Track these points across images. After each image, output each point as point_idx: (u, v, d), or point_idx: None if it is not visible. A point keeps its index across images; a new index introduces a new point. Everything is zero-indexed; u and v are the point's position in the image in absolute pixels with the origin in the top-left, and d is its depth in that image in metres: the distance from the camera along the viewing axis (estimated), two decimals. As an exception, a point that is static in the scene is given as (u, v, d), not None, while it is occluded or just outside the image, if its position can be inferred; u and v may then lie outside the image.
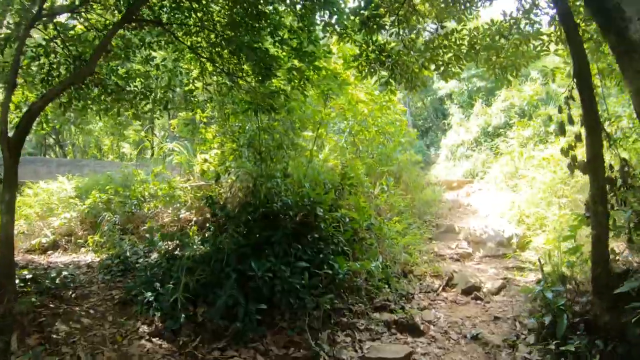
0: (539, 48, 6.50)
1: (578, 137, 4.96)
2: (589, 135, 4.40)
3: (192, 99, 7.14)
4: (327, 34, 6.17)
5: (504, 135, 14.81)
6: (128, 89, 6.65)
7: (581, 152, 4.83)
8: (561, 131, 5.60)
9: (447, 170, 16.96)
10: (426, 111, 29.27)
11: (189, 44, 6.40)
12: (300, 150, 8.45)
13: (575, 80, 4.63)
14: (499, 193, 12.19)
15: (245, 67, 6.40)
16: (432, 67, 7.07)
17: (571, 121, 5.17)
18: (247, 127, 7.58)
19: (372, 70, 7.15)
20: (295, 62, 6.23)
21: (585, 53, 4.73)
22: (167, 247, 6.31)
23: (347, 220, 6.62)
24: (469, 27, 6.68)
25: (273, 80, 6.38)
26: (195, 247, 5.72)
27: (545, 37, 6.42)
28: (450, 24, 7.00)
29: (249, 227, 5.83)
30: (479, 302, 6.35)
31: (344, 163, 8.54)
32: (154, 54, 6.73)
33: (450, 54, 6.82)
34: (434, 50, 6.81)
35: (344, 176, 7.73)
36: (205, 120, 8.30)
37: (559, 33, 6.29)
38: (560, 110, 5.42)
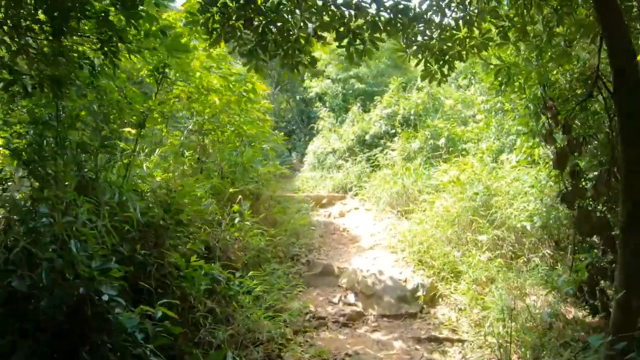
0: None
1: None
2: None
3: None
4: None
5: (384, 146, 12.73)
6: None
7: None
8: (549, 140, 4.91)
9: (315, 182, 14.43)
10: (291, 112, 26.97)
11: None
12: (117, 157, 5.25)
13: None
14: (383, 216, 9.92)
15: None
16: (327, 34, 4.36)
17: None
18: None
19: (229, 32, 4.26)
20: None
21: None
22: None
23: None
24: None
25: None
26: None
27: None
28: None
29: None
30: None
31: (172, 187, 5.31)
32: None
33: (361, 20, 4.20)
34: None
35: (169, 208, 4.61)
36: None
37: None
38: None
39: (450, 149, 11.22)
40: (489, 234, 6.46)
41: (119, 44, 3.88)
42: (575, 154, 4.47)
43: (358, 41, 4.06)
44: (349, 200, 12.25)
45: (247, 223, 6.35)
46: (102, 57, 3.89)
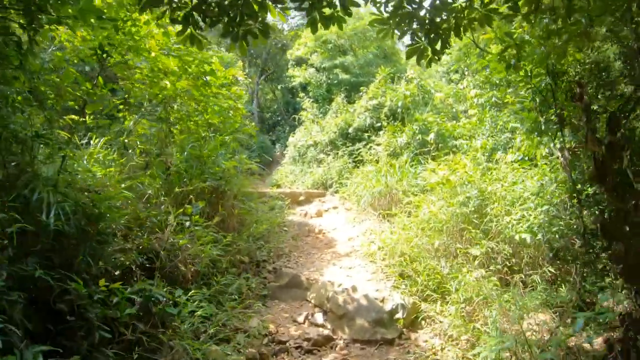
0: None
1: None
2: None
3: None
4: None
5: (369, 140, 11.80)
6: None
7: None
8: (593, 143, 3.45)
9: (294, 176, 13.45)
10: (277, 104, 25.91)
11: None
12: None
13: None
14: (363, 217, 9.00)
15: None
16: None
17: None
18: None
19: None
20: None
21: None
22: None
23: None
24: None
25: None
26: None
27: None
28: None
29: None
30: None
31: (97, 188, 4.32)
32: None
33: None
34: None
35: (90, 217, 3.67)
36: None
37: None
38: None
39: (440, 145, 10.32)
40: (482, 247, 5.55)
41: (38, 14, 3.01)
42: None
43: (325, 3, 3.09)
44: (329, 198, 11.32)
45: (198, 228, 5.37)
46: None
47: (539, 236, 5.31)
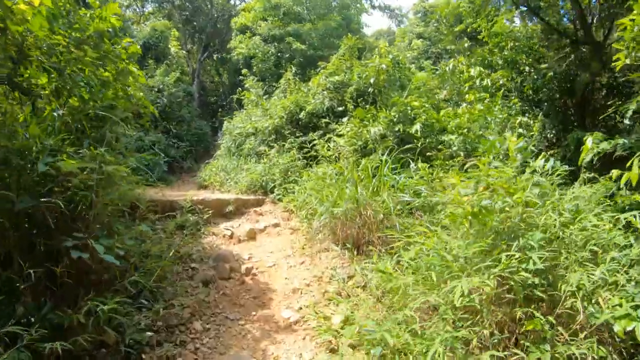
0: None
1: None
2: None
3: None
4: None
5: (327, 129, 8.59)
6: None
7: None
8: None
9: (225, 174, 9.94)
10: (222, 86, 22.32)
11: None
12: None
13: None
14: (318, 247, 5.81)
15: None
16: None
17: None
18: None
19: None
20: None
21: None
22: None
23: None
24: None
25: None
26: None
27: None
28: None
29: None
30: None
31: None
32: None
33: None
34: None
35: None
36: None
37: None
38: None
39: (428, 140, 7.27)
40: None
41: None
42: None
43: None
44: (268, 208, 8.00)
45: None
46: None
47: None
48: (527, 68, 9.65)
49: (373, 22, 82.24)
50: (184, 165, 14.07)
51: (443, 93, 11.77)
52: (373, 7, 23.53)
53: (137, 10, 23.11)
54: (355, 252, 5.41)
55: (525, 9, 9.12)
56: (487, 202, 3.58)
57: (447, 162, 6.39)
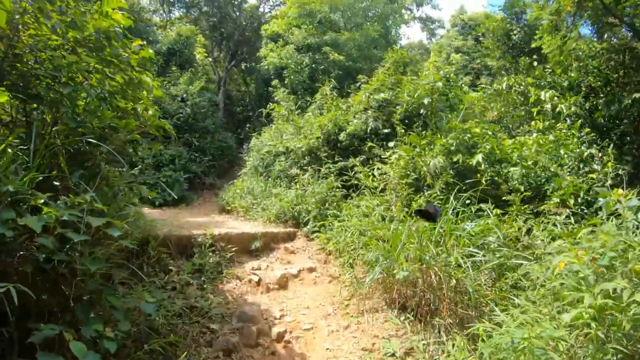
0: None
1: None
2: None
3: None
4: None
5: (370, 154, 7.52)
6: None
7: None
8: None
9: (252, 197, 8.84)
10: (248, 97, 21.47)
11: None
12: None
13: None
14: (368, 306, 4.73)
15: None
16: None
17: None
18: None
19: None
20: None
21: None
22: None
23: None
24: None
25: None
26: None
27: None
28: None
29: None
30: None
31: None
32: None
33: None
34: None
35: None
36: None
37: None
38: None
39: (490, 173, 6.15)
40: None
41: None
42: None
43: None
44: (301, 245, 6.95)
45: None
46: None
47: None
48: (594, 92, 8.49)
49: (403, 35, 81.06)
50: (205, 182, 13.18)
51: (491, 115, 10.64)
52: (414, 18, 22.41)
53: (164, 15, 22.56)
54: (413, 317, 4.34)
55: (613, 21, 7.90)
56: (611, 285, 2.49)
57: (521, 207, 5.25)
